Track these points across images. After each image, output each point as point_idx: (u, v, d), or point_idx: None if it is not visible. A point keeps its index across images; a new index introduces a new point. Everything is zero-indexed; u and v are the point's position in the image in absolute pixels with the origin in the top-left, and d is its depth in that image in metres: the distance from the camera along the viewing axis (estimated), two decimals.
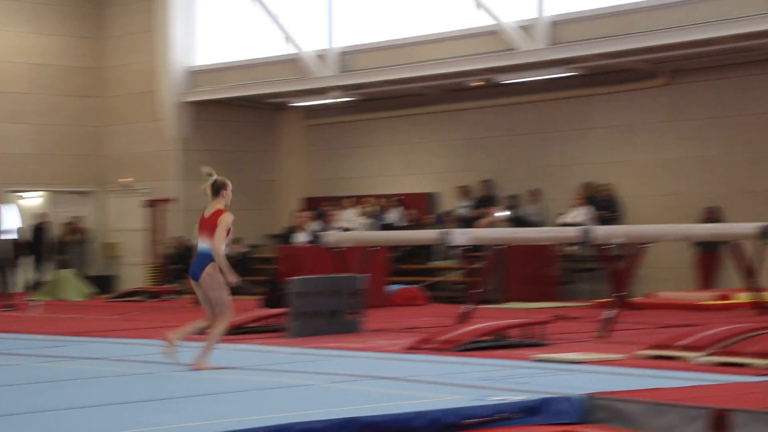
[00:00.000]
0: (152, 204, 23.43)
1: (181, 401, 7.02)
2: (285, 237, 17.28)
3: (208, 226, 8.84)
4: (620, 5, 18.35)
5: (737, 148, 18.45)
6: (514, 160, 21.13)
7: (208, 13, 23.78)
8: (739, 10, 16.78)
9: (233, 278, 8.80)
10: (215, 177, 8.94)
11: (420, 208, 21.90)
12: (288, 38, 22.10)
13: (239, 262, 22.42)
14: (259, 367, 8.76)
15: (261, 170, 24.31)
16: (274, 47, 22.70)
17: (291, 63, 22.30)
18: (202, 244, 8.83)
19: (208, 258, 8.79)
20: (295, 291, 11.33)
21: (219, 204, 8.89)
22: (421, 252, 21.21)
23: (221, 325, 8.88)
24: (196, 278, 8.86)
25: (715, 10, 17.06)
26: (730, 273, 17.29)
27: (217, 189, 8.90)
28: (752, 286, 12.85)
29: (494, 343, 9.59)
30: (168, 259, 22.41)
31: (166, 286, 21.11)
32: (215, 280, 8.79)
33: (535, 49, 18.86)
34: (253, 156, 24.28)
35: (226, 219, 8.80)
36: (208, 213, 8.93)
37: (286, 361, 9.19)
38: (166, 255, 22.59)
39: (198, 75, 23.63)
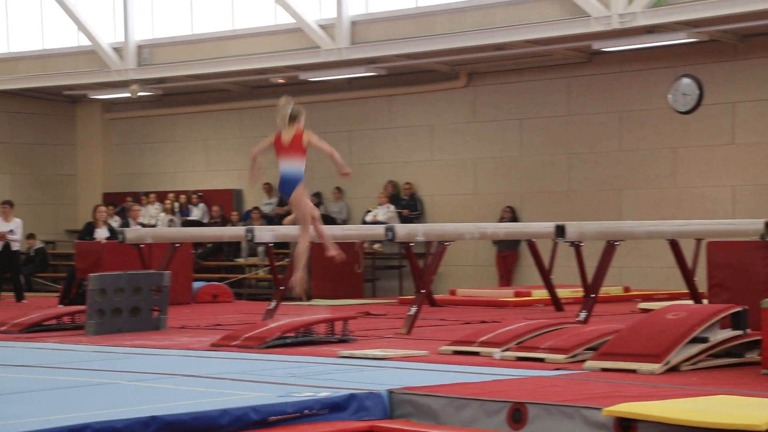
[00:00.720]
0: None
1: None
2: (84, 233, 16.82)
3: (293, 148, 9.72)
4: (420, 7, 18.67)
5: (533, 150, 19.02)
6: (318, 158, 21.07)
7: None
8: (534, 16, 17.31)
9: (346, 169, 10.09)
10: (293, 104, 9.86)
11: (224, 204, 21.73)
12: (81, 28, 21.52)
13: (32, 259, 21.71)
14: (56, 366, 8.48)
15: (58, 164, 23.60)
16: (71, 38, 22.08)
17: (89, 55, 21.75)
18: (286, 166, 9.74)
19: (295, 179, 9.75)
20: (94, 288, 11.04)
21: (294, 130, 9.76)
22: (226, 249, 21.03)
23: (303, 241, 10.05)
24: (286, 194, 9.95)
25: (510, 15, 17.56)
26: (528, 270, 17.83)
27: (293, 116, 9.79)
28: (548, 284, 13.24)
29: (300, 339, 9.57)
30: None
31: None
32: (301, 200, 9.88)
33: (337, 48, 18.99)
34: (49, 149, 23.55)
35: (311, 134, 9.88)
36: (287, 138, 9.74)
37: (84, 359, 8.92)
38: None
39: None
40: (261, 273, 20.56)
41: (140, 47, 21.36)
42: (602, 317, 11.46)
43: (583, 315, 10.58)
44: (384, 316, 12.79)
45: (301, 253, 10.13)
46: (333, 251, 10.25)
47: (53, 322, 11.76)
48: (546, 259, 13.39)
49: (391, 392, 6.63)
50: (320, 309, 13.97)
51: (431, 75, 19.81)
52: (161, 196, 22.23)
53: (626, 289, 15.56)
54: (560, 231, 10.63)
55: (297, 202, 9.94)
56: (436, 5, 18.45)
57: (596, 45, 17.25)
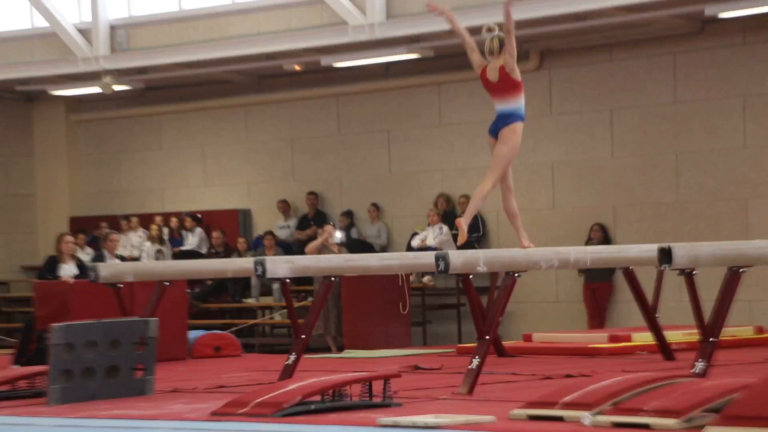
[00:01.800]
0: None
1: None
2: (45, 270, 16.94)
3: (503, 85, 10.83)
4: None
5: (629, 150, 18.93)
6: (348, 167, 21.24)
7: None
8: None
9: None
10: (497, 33, 10.80)
11: (227, 229, 21.81)
12: (36, 6, 21.69)
13: None
14: None
15: (11, 182, 23.81)
16: (23, 19, 22.28)
17: (47, 39, 21.92)
18: (501, 106, 10.91)
19: (511, 116, 10.88)
20: (59, 342, 11.08)
21: (499, 61, 10.79)
22: (231, 287, 21.10)
23: (489, 182, 11.05)
24: (495, 134, 10.94)
25: None
26: (626, 307, 17.73)
27: (500, 44, 10.77)
28: (653, 324, 13.16)
29: (328, 405, 9.58)
30: None
31: None
32: (513, 137, 10.91)
33: (369, 24, 19.00)
34: (0, 162, 23.77)
35: (507, 57, 10.76)
36: (493, 76, 10.85)
37: None
38: None
39: None
40: (277, 317, 20.61)
41: (114, 28, 21.51)
42: (727, 367, 11.41)
43: (700, 365, 10.51)
44: (437, 371, 12.80)
45: (481, 194, 11.15)
46: (526, 241, 11.40)
47: (6, 387, 11.82)
48: (649, 293, 13.32)
49: None
50: (354, 363, 13.97)
51: None
52: (146, 220, 22.34)
53: (758, 330, 15.48)
54: (666, 255, 10.57)
55: (506, 138, 10.93)
56: None
57: (710, 10, 17.18)
